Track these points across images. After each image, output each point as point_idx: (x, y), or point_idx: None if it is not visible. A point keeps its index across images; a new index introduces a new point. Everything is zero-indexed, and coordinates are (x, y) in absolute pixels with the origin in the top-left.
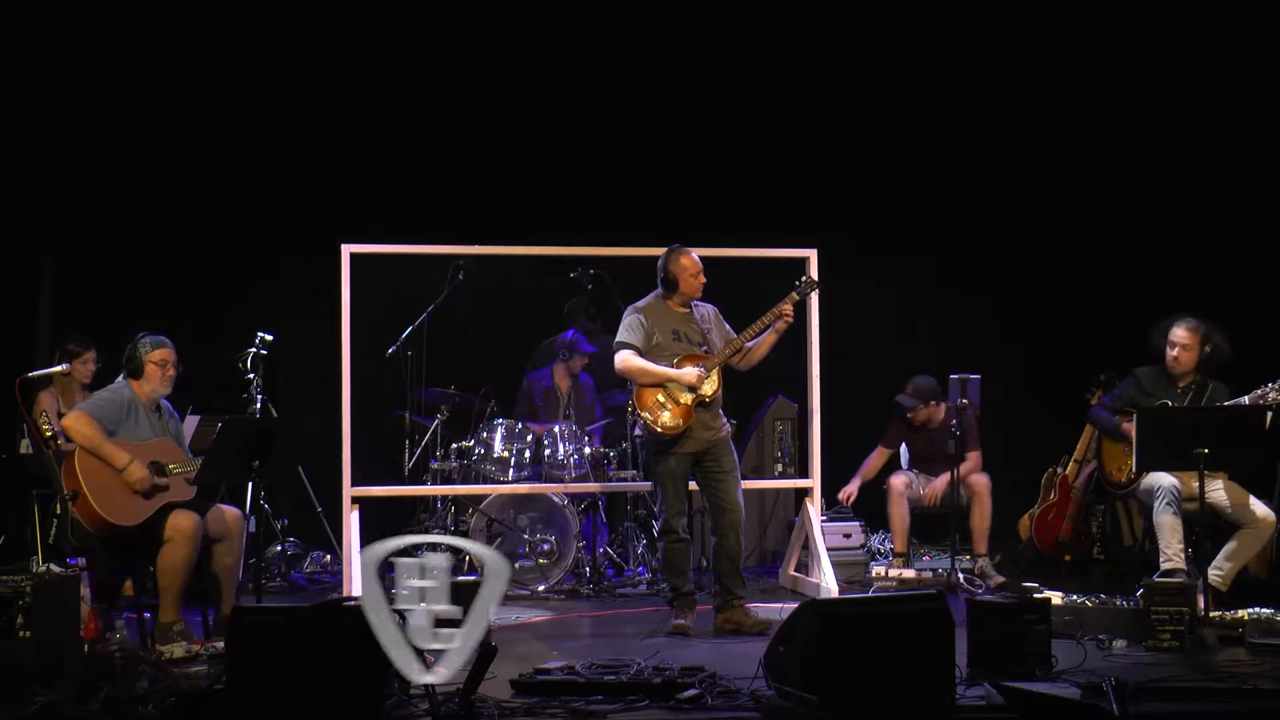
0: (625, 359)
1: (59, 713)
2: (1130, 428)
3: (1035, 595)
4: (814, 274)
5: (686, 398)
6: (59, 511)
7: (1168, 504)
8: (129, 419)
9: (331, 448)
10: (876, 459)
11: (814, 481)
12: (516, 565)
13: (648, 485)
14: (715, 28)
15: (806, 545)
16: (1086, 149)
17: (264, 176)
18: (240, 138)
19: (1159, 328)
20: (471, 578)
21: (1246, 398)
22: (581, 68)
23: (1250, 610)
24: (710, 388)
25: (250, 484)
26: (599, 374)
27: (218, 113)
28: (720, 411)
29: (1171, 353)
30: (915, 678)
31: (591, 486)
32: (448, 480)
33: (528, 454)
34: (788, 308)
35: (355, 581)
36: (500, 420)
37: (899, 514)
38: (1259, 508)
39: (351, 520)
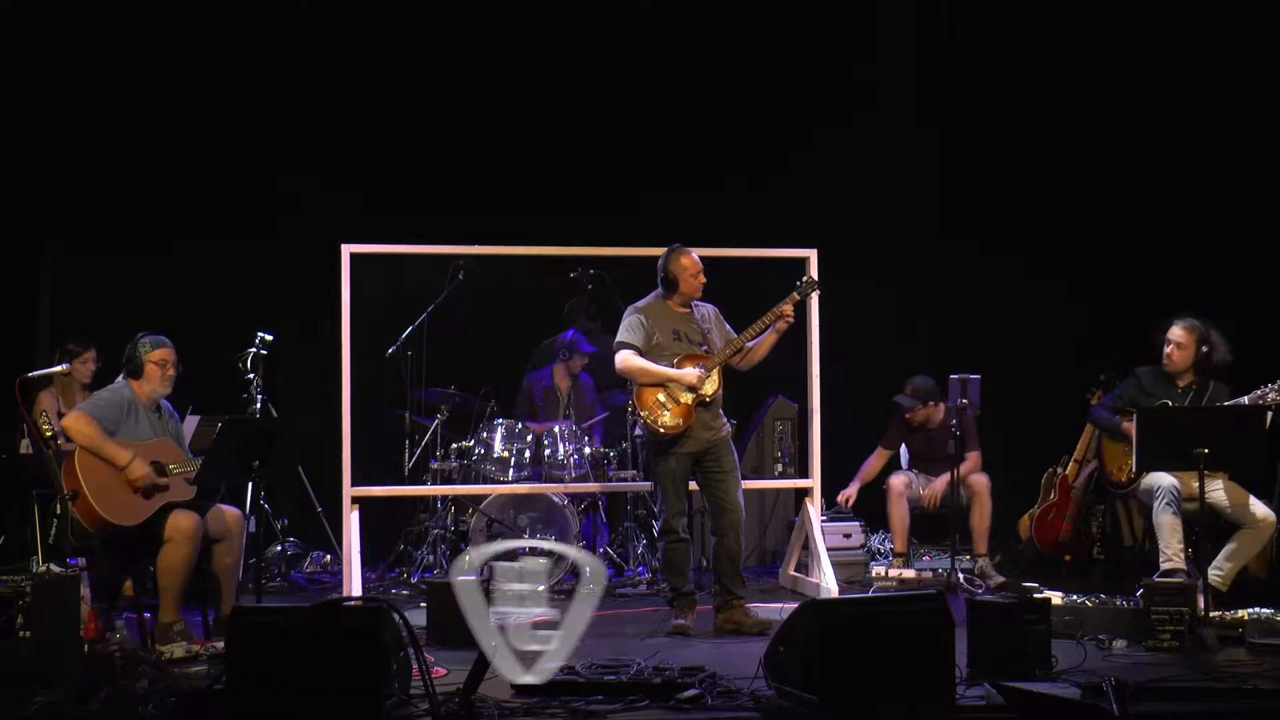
0: (625, 359)
1: (59, 713)
2: (1130, 427)
3: (1035, 595)
4: (814, 274)
5: (687, 397)
6: (59, 511)
7: (1167, 504)
8: (129, 419)
9: (331, 448)
10: (876, 460)
11: (814, 481)
12: None
13: (648, 485)
14: (715, 28)
15: (806, 545)
16: (1087, 149)
17: (264, 176)
18: (240, 138)
19: (1161, 327)
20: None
21: (1246, 398)
22: (582, 68)
23: (1250, 610)
24: (711, 388)
25: (250, 484)
26: (599, 374)
27: (218, 113)
28: (720, 411)
29: (1166, 350)
30: (915, 678)
31: (591, 486)
32: (448, 480)
33: (528, 454)
34: (788, 308)
35: (355, 581)
36: (500, 420)
37: (899, 514)
38: (1259, 508)
39: (351, 520)
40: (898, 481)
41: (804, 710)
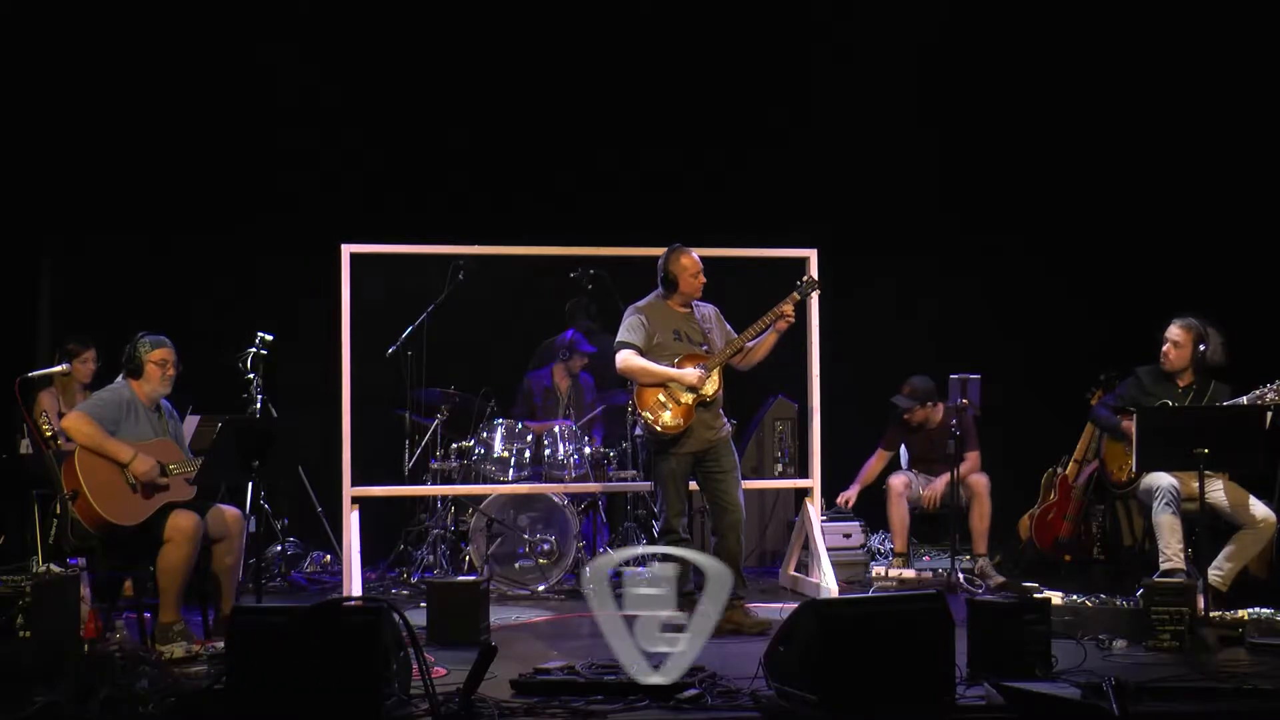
0: (626, 359)
1: (59, 713)
2: (1131, 427)
3: (1035, 595)
4: (814, 274)
5: (687, 397)
6: (59, 511)
7: (1166, 504)
8: (129, 419)
9: (331, 448)
10: (876, 462)
11: (814, 481)
12: (516, 565)
13: (648, 485)
14: (716, 28)
15: (806, 545)
16: (1087, 149)
17: (264, 176)
18: (240, 138)
19: (1162, 327)
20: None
21: (1245, 398)
22: (582, 68)
23: (1250, 610)
24: (711, 388)
25: (250, 484)
26: (599, 374)
27: (218, 113)
28: (721, 411)
29: (1164, 349)
30: (915, 678)
31: (592, 486)
32: (448, 480)
33: (528, 454)
34: (788, 308)
35: (355, 581)
36: (500, 420)
37: (899, 514)
38: (1259, 508)
39: (351, 520)
40: (897, 482)
41: (804, 710)
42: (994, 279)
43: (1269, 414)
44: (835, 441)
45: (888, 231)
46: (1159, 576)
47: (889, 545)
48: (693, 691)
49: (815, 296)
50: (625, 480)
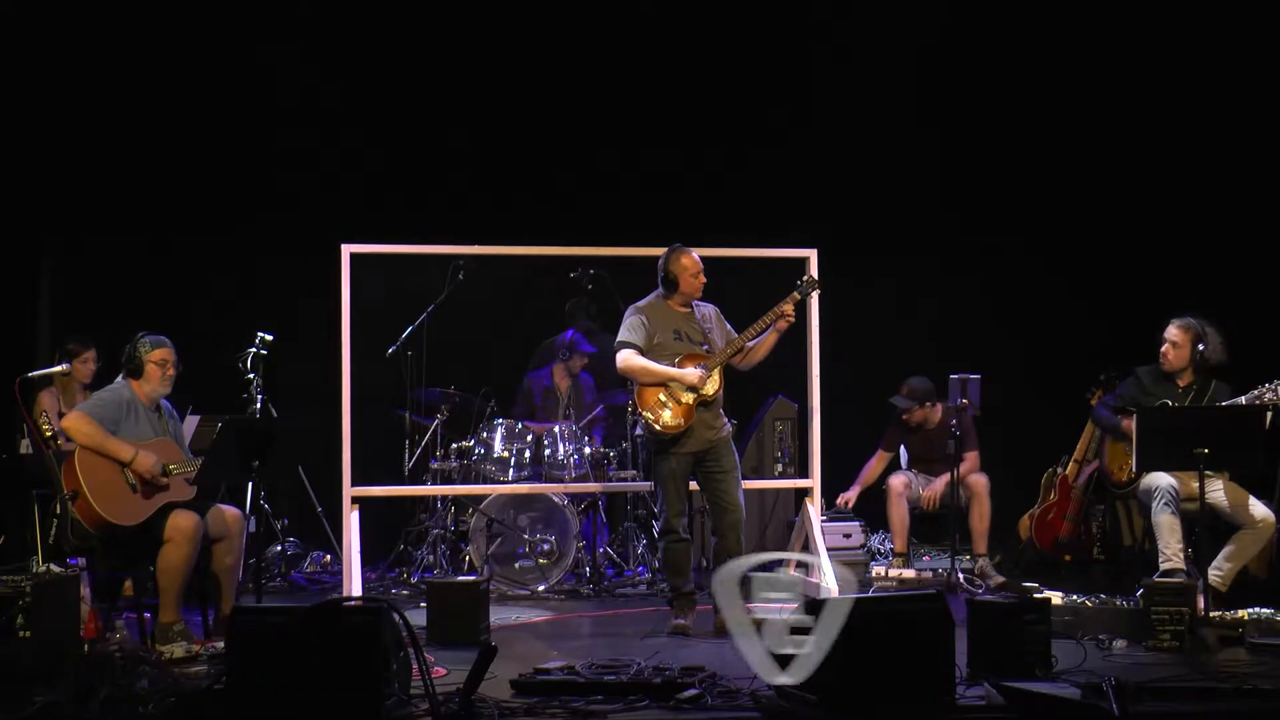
0: (627, 358)
1: (59, 713)
2: (1131, 427)
3: (1035, 595)
4: (814, 274)
5: (688, 397)
6: (59, 511)
7: (1165, 504)
8: (129, 418)
9: (331, 448)
10: (876, 463)
11: (814, 481)
12: (516, 565)
13: (648, 485)
14: (716, 28)
15: (806, 545)
16: (1086, 149)
17: (264, 176)
18: (240, 137)
19: (1161, 327)
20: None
21: (1244, 398)
22: (582, 68)
23: (1250, 610)
24: (712, 387)
25: (250, 484)
26: (599, 374)
27: (218, 113)
28: (721, 411)
29: (1162, 350)
30: (915, 678)
31: (592, 486)
32: (448, 480)
33: (528, 454)
34: (788, 308)
35: (355, 581)
36: (500, 420)
37: (898, 514)
38: (1258, 508)
39: (351, 520)
40: (897, 482)
41: (804, 710)
42: (994, 279)
43: (1269, 414)
44: (835, 441)
45: (888, 231)
46: (1159, 576)
47: (889, 545)
48: (693, 691)
49: (815, 296)
50: (625, 480)
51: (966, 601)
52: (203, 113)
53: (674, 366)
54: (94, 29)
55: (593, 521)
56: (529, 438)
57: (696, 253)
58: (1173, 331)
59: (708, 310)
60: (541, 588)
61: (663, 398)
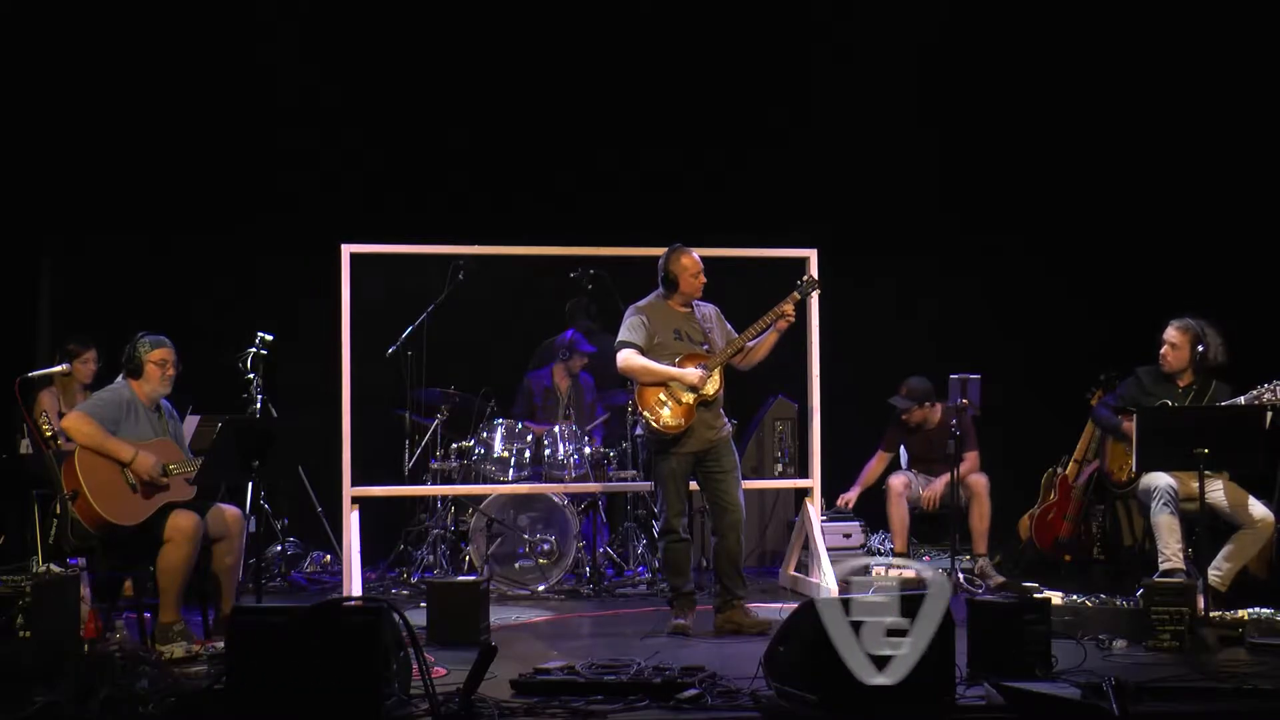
0: (627, 358)
1: (59, 713)
2: (1131, 427)
3: (1035, 595)
4: (814, 274)
5: (688, 397)
6: (59, 511)
7: (1164, 504)
8: (129, 418)
9: (331, 448)
10: (877, 464)
11: (814, 481)
12: (516, 565)
13: (648, 485)
14: (716, 28)
15: (806, 545)
16: (1086, 149)
17: (264, 176)
18: (240, 137)
19: (1161, 327)
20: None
21: (1243, 398)
22: (582, 68)
23: (1250, 610)
24: (712, 387)
25: (250, 484)
26: (599, 374)
27: (218, 113)
28: (721, 411)
29: (1161, 350)
30: (915, 678)
31: (592, 486)
32: (448, 480)
33: (528, 454)
34: (789, 308)
35: (355, 581)
36: (500, 420)
37: (898, 514)
38: (1258, 508)
39: (351, 520)
40: (897, 482)
41: (804, 710)
42: (994, 279)
43: (1269, 414)
44: (835, 441)
45: (888, 231)
46: (1159, 577)
47: (889, 545)
48: (693, 691)
49: (815, 296)
50: (625, 480)
51: (966, 601)
52: (203, 113)
53: (674, 366)
54: (94, 29)
55: (593, 521)
56: (529, 438)
57: (696, 253)
58: (1171, 333)
59: (708, 310)
60: (541, 588)
61: (663, 397)
